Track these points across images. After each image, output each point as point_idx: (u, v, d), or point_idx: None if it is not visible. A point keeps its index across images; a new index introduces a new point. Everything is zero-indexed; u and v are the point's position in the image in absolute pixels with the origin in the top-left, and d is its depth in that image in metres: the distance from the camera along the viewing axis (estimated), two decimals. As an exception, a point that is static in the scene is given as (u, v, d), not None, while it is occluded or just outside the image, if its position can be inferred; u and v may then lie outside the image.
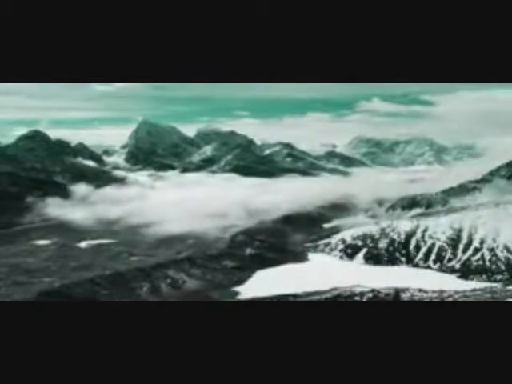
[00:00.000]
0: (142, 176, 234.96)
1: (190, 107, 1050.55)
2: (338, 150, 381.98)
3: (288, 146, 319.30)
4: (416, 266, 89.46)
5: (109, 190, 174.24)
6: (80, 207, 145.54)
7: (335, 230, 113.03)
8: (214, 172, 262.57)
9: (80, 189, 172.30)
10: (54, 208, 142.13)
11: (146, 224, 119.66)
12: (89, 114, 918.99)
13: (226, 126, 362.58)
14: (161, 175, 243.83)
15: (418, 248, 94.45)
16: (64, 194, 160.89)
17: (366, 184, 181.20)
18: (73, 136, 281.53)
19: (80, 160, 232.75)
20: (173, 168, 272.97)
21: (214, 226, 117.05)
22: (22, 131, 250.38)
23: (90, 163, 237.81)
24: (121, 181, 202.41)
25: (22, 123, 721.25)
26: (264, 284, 75.45)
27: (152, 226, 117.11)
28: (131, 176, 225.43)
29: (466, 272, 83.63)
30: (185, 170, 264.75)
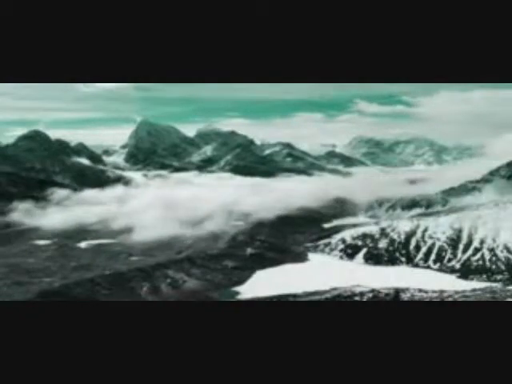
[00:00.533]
0: (136, 175, 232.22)
1: (180, 108, 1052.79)
2: (338, 150, 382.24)
3: (288, 145, 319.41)
4: (416, 266, 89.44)
5: (90, 193, 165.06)
6: (53, 211, 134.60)
7: (335, 230, 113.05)
8: (212, 172, 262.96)
9: (59, 191, 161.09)
10: (22, 212, 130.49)
11: (121, 230, 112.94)
12: (83, 115, 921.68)
13: (218, 126, 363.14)
14: (154, 174, 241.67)
15: (418, 248, 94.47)
16: (39, 197, 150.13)
17: (365, 184, 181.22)
18: (71, 136, 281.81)
19: (80, 160, 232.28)
20: (173, 168, 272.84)
21: (198, 230, 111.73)
22: (18, 131, 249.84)
23: (90, 163, 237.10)
24: (117, 181, 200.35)
25: (17, 123, 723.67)
26: (264, 284, 75.43)
27: (126, 232, 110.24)
28: (126, 175, 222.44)
29: (465, 272, 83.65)
30: (178, 170, 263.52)
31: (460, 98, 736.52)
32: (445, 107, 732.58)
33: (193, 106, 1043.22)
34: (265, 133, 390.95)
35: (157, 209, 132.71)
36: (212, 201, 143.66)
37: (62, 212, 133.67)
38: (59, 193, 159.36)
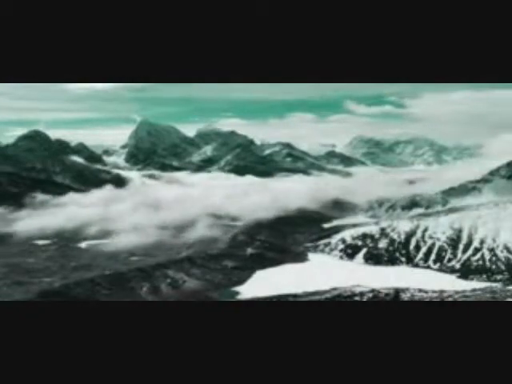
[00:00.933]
0: (135, 175, 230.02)
1: (176, 108, 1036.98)
2: (338, 150, 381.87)
3: (288, 146, 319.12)
4: (416, 266, 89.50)
5: (75, 195, 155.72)
6: (29, 216, 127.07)
7: (335, 230, 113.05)
8: (209, 171, 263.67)
9: (39, 196, 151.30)
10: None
11: (98, 236, 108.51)
12: (79, 116, 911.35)
13: (218, 125, 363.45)
14: (150, 174, 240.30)
15: (418, 248, 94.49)
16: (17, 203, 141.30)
17: (365, 184, 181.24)
18: (71, 136, 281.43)
19: (80, 160, 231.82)
20: (173, 168, 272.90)
21: (185, 234, 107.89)
22: (17, 132, 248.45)
23: (90, 163, 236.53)
24: (117, 181, 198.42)
25: (15, 124, 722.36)
26: (264, 284, 75.49)
27: (103, 238, 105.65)
28: (125, 175, 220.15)
29: (465, 272, 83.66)
30: (178, 170, 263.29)
31: (448, 99, 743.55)
32: (436, 107, 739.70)
33: (188, 107, 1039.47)
34: (261, 133, 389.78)
35: (143, 211, 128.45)
36: (203, 202, 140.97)
37: (37, 217, 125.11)
38: (40, 197, 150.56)
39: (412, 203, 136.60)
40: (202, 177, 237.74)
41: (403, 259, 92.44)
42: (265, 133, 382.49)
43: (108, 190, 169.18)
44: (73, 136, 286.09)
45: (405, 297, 55.13)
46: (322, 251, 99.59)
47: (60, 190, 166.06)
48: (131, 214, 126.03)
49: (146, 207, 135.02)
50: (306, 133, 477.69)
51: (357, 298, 55.04)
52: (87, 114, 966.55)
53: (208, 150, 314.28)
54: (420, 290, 59.47)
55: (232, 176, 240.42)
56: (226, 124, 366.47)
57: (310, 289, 64.70)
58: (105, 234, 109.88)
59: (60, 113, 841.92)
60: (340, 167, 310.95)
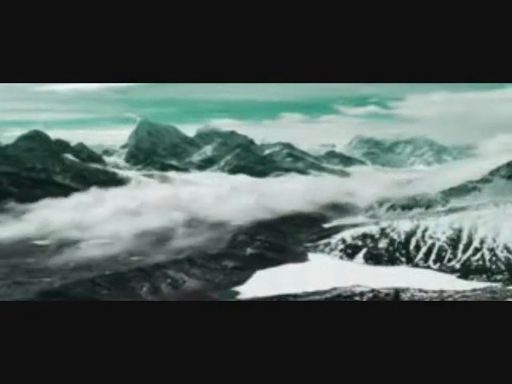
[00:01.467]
0: (134, 175, 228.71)
1: (169, 109, 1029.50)
2: (338, 149, 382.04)
3: (288, 145, 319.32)
4: (416, 266, 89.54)
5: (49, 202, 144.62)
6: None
7: (335, 230, 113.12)
8: (208, 171, 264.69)
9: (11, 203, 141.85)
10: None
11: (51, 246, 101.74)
12: (75, 116, 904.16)
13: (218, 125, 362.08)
14: (144, 174, 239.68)
15: (418, 248, 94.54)
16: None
17: (365, 184, 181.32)
18: (71, 136, 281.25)
19: (80, 160, 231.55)
20: (173, 168, 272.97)
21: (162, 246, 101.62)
22: (16, 132, 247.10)
23: (89, 163, 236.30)
24: (116, 181, 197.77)
25: (13, 124, 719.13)
26: (264, 284, 75.55)
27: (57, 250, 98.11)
28: (125, 175, 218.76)
29: (466, 272, 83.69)
30: (178, 170, 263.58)
31: (431, 100, 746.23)
32: (421, 108, 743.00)
33: (178, 108, 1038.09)
34: (256, 134, 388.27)
35: (126, 216, 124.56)
36: (193, 203, 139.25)
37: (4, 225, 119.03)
38: (11, 204, 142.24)
39: (412, 203, 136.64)
40: (197, 176, 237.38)
41: (403, 259, 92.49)
42: (259, 133, 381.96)
43: (92, 193, 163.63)
44: (72, 136, 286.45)
45: (405, 297, 55.12)
46: (322, 251, 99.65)
47: (60, 189, 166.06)
48: (111, 220, 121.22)
49: (130, 211, 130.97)
50: (301, 133, 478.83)
51: (357, 298, 55.03)
52: (81, 115, 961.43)
53: (208, 150, 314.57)
54: (420, 290, 59.47)
55: (231, 176, 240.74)
56: (221, 125, 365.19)
57: (310, 289, 64.71)
58: (77, 241, 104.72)
59: (54, 114, 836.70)
60: (340, 167, 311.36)
